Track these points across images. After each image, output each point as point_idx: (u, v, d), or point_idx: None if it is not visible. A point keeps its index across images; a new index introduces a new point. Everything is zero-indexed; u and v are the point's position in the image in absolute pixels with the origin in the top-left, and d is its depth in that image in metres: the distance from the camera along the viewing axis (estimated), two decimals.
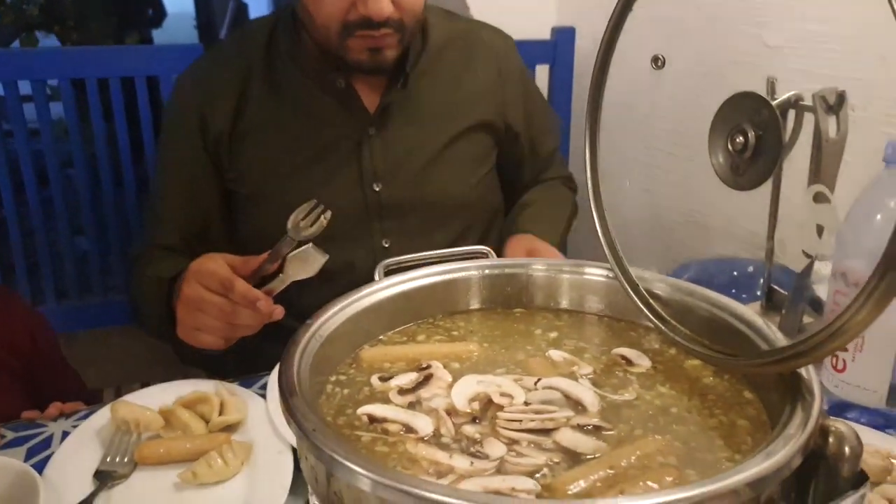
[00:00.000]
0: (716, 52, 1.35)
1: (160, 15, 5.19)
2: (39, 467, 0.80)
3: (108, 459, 0.84)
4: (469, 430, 0.56)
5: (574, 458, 0.53)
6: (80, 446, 0.87)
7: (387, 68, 1.16)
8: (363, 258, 1.21)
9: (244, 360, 1.35)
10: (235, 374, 1.04)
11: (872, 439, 0.85)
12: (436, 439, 0.55)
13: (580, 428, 0.56)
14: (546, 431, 0.55)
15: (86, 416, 0.93)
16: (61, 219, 1.65)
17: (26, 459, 0.86)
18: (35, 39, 3.57)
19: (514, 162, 1.37)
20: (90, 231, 1.69)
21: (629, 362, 0.65)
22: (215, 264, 0.91)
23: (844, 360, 0.92)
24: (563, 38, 1.82)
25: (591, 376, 0.64)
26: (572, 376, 0.63)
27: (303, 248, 0.88)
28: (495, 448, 0.53)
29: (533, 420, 0.55)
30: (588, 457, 0.53)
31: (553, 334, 0.71)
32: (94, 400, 1.24)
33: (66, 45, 3.59)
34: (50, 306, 1.70)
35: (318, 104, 1.19)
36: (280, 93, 1.20)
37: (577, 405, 0.59)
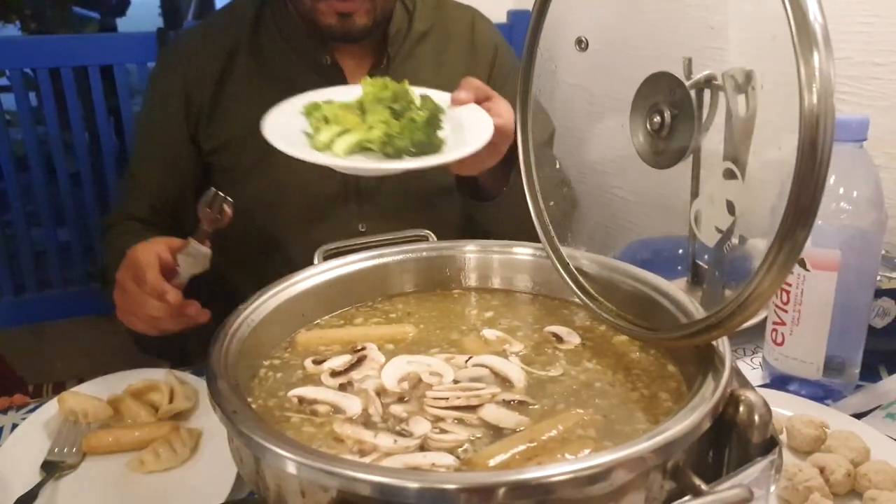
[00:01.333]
0: (659, 32, 1.37)
1: (124, 3, 5.10)
2: None
3: (55, 450, 0.84)
4: (397, 409, 0.57)
5: (497, 433, 0.55)
6: (27, 438, 0.87)
7: (358, 36, 1.15)
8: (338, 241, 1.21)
9: (202, 349, 1.35)
10: (193, 363, 1.05)
11: (808, 410, 0.88)
12: (364, 419, 0.56)
13: (505, 403, 0.58)
14: (471, 408, 0.57)
15: (35, 409, 0.93)
16: (17, 210, 1.63)
17: None
18: None
19: None
20: (47, 223, 1.67)
21: (559, 339, 0.67)
22: (145, 253, 0.91)
23: (783, 335, 0.95)
24: (519, 21, 1.82)
25: (521, 353, 0.66)
26: (503, 354, 0.65)
27: (189, 245, 0.90)
28: (420, 426, 0.55)
29: (459, 397, 0.57)
30: (511, 431, 0.55)
31: (488, 314, 0.73)
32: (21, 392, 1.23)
33: (23, 34, 3.52)
34: (7, 298, 1.68)
35: (301, 81, 1.15)
36: (264, 68, 1.21)
37: (505, 381, 0.61)
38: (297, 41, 1.20)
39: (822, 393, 0.95)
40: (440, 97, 0.97)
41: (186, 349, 1.40)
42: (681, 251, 1.13)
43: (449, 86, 1.22)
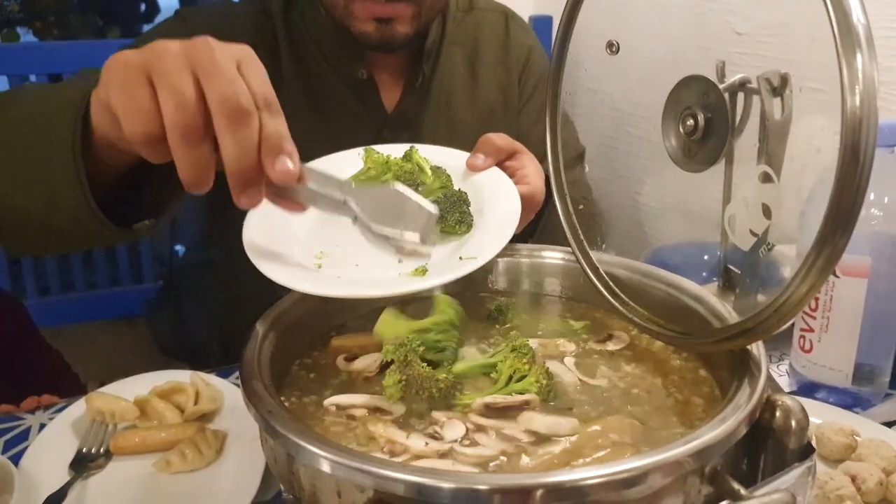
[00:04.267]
0: (686, 38, 1.37)
1: (153, 10, 5.13)
2: (17, 460, 0.81)
3: (83, 450, 0.85)
4: (438, 413, 0.57)
5: (539, 439, 0.55)
6: (56, 437, 0.87)
7: (397, 46, 1.02)
8: None
9: (226, 353, 1.35)
10: (216, 365, 1.05)
11: (837, 417, 0.86)
12: (405, 419, 0.56)
13: (547, 409, 0.57)
14: (513, 413, 0.56)
15: (62, 409, 0.93)
16: None
17: (3, 452, 0.87)
18: (16, 35, 3.57)
19: None
20: None
21: (609, 338, 0.67)
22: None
23: (811, 342, 0.94)
24: (541, 26, 1.83)
25: (575, 354, 0.65)
26: (560, 355, 0.65)
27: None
28: (453, 430, 0.54)
29: (504, 401, 0.57)
30: (552, 438, 0.55)
31: (524, 316, 0.73)
32: (74, 391, 1.24)
33: (46, 40, 3.58)
34: (32, 301, 1.70)
35: (335, 96, 1.09)
36: (301, 72, 1.08)
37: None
38: (330, 49, 1.07)
39: (850, 401, 0.94)
40: (457, 160, 0.80)
41: (207, 351, 1.42)
42: (706, 257, 1.12)
43: (484, 101, 1.15)
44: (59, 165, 0.60)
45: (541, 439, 0.54)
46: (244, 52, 0.53)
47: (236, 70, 0.51)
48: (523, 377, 0.58)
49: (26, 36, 3.59)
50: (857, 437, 0.82)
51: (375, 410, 0.56)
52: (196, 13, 1.12)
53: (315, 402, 0.59)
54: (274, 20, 1.08)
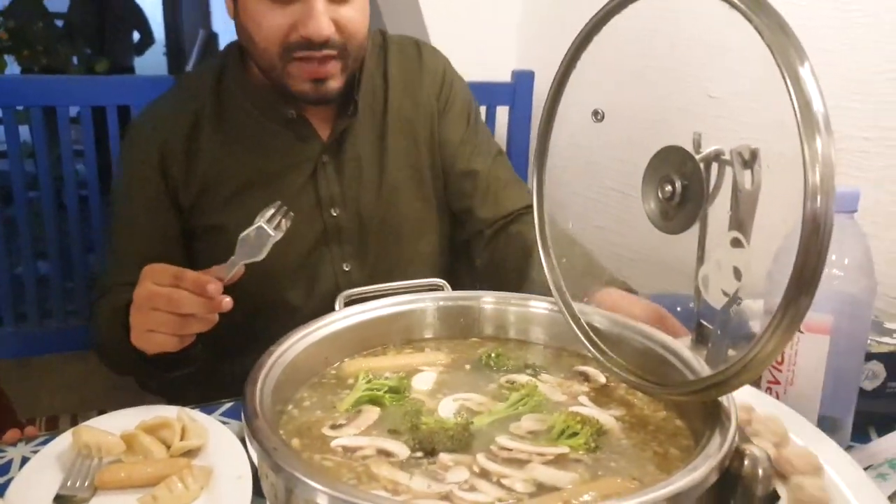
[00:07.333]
0: (665, 102, 1.45)
1: (147, 41, 5.14)
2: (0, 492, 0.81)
3: (68, 484, 0.85)
4: (445, 457, 0.60)
5: (539, 489, 0.57)
6: (40, 471, 0.87)
7: (332, 99, 1.17)
8: (326, 283, 1.24)
9: (205, 389, 1.36)
10: (196, 402, 1.06)
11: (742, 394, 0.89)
12: (413, 461, 0.59)
13: (550, 462, 0.60)
14: (521, 463, 0.59)
15: (46, 442, 0.94)
16: (24, 241, 1.66)
17: None
18: (3, 63, 3.58)
19: (463, 192, 1.36)
20: (53, 255, 1.69)
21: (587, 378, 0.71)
22: (167, 264, 0.92)
23: (777, 393, 0.98)
24: (523, 80, 1.90)
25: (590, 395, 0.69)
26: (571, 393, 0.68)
27: (254, 226, 0.85)
28: (456, 474, 0.57)
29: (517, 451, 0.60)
30: (549, 490, 0.57)
31: (512, 362, 0.76)
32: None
33: (34, 69, 3.59)
34: (7, 329, 1.69)
35: (270, 136, 1.21)
36: (231, 129, 1.22)
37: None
38: (260, 100, 1.21)
39: None
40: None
41: (185, 387, 1.42)
42: (679, 308, 1.17)
43: (403, 113, 1.27)
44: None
45: (541, 490, 0.57)
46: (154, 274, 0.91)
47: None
48: (574, 434, 0.62)
49: (13, 65, 3.60)
50: (752, 412, 0.83)
51: (381, 452, 0.59)
52: (147, 112, 1.30)
53: (321, 438, 0.62)
54: (203, 94, 1.24)
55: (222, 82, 1.24)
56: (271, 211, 0.87)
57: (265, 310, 1.22)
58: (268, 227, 0.83)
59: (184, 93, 1.28)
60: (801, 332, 0.93)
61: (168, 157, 1.21)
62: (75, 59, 3.86)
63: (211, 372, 1.27)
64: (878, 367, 1.01)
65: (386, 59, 1.30)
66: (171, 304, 0.88)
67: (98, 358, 1.25)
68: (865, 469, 0.92)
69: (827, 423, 0.96)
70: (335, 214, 1.24)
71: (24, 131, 1.67)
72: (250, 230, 0.84)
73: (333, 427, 0.65)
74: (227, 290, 0.89)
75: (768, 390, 0.99)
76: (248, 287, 1.23)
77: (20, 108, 1.68)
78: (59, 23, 4.61)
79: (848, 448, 0.98)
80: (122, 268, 1.23)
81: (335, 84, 1.14)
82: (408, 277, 1.12)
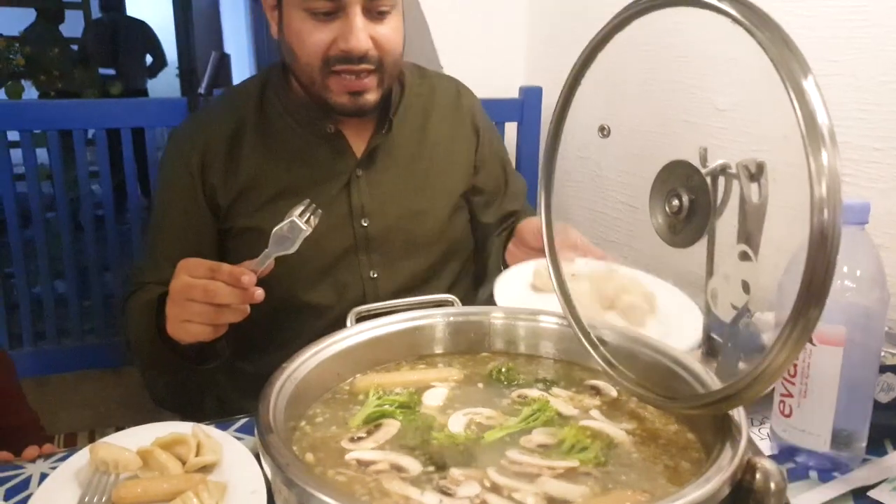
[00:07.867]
0: (671, 114, 1.45)
1: (160, 63, 5.23)
2: None
3: (85, 499, 0.86)
4: (456, 472, 0.60)
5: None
6: (58, 487, 0.89)
7: (368, 111, 1.23)
8: (354, 290, 1.29)
9: (222, 406, 1.39)
10: (210, 418, 1.07)
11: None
12: (424, 476, 0.60)
13: (560, 476, 0.60)
14: (531, 477, 0.59)
15: (64, 458, 0.95)
16: (42, 261, 1.69)
17: (4, 500, 0.88)
18: (21, 87, 3.65)
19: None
20: (70, 274, 1.72)
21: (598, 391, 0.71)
22: (201, 257, 0.96)
23: (791, 406, 0.98)
24: (531, 96, 1.92)
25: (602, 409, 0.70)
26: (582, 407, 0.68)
27: (287, 220, 0.89)
28: (467, 489, 0.57)
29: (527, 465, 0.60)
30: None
31: (523, 376, 0.77)
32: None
33: (50, 94, 3.66)
34: (27, 349, 1.71)
35: (308, 148, 1.27)
36: (272, 139, 1.28)
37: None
38: (301, 114, 1.28)
39: (829, 465, 0.97)
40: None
41: (202, 404, 1.44)
42: None
43: (435, 140, 1.35)
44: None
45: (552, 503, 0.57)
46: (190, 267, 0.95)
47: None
48: (584, 448, 0.62)
49: (30, 89, 3.67)
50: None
51: (394, 467, 0.59)
52: (192, 118, 1.39)
53: (335, 453, 0.62)
54: (246, 108, 1.31)
55: (265, 95, 1.31)
56: (301, 208, 0.92)
57: (289, 311, 1.28)
58: (300, 221, 0.88)
59: (228, 103, 1.35)
60: (814, 345, 0.92)
61: (208, 161, 1.27)
62: (90, 83, 3.93)
63: (231, 371, 1.32)
64: (892, 379, 1.00)
65: (430, 91, 1.40)
66: (206, 294, 0.92)
67: (126, 353, 1.28)
68: (880, 483, 0.92)
69: (842, 436, 0.95)
70: (365, 225, 1.29)
71: (41, 154, 1.71)
72: (283, 224, 0.89)
73: (353, 441, 0.66)
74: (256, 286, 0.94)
75: (781, 403, 0.98)
76: (276, 287, 1.27)
77: (37, 131, 1.72)
78: (74, 47, 4.72)
79: (863, 461, 0.97)
80: (157, 265, 1.28)
81: (372, 97, 1.20)
82: (433, 290, 1.25)
